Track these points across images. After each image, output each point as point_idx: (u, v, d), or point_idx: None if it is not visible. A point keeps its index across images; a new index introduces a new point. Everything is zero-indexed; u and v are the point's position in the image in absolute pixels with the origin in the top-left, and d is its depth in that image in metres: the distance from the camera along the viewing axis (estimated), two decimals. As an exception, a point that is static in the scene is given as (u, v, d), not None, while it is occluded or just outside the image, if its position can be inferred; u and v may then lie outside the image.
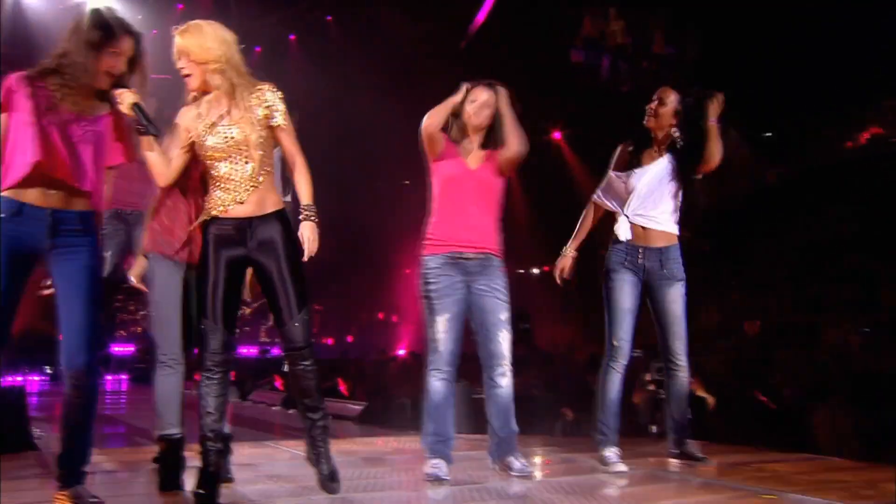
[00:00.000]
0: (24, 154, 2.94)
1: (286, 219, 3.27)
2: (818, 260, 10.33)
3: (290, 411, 8.08)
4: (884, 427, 5.41)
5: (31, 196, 2.95)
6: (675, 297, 4.19)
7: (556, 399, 7.09)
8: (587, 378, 7.11)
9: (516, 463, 3.80)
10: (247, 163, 3.20)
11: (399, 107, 11.08)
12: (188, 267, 3.44)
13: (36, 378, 9.03)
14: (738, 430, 6.08)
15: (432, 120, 3.77)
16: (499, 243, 3.91)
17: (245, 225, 3.18)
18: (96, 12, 3.10)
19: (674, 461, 4.22)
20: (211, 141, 3.20)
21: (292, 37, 13.91)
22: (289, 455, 4.69)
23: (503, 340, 3.84)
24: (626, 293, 4.14)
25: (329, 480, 3.22)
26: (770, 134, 11.73)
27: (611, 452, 4.05)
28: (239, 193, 3.19)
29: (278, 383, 11.41)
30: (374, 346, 16.00)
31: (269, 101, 3.24)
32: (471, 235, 3.82)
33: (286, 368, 3.31)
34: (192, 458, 3.37)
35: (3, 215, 2.92)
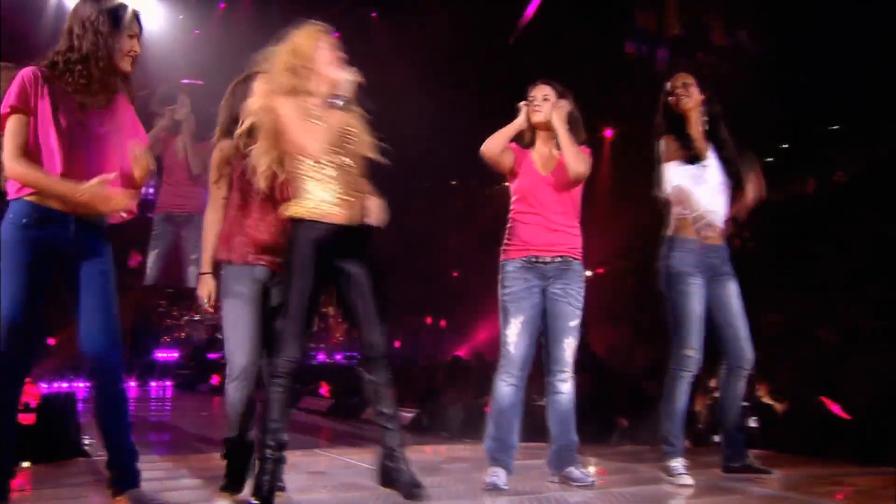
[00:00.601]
0: (48, 161, 2.97)
1: (371, 232, 3.39)
2: (891, 260, 10.07)
3: (342, 419, 8.14)
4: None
5: (56, 201, 2.99)
6: (735, 293, 4.16)
7: (611, 407, 7.03)
8: (644, 385, 7.05)
9: (576, 472, 3.80)
10: (355, 168, 3.34)
11: (446, 105, 11.11)
12: (272, 274, 3.45)
13: (81, 384, 9.21)
14: (807, 440, 5.95)
15: (490, 146, 3.85)
16: (578, 246, 3.92)
17: (342, 232, 3.28)
18: (96, 2, 3.09)
19: (735, 473, 4.14)
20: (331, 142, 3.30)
21: (336, 34, 14.03)
22: (342, 463, 4.72)
23: (568, 347, 3.86)
24: (697, 299, 4.07)
25: (413, 488, 3.27)
26: (837, 127, 11.48)
27: (677, 463, 4.01)
28: (340, 198, 3.29)
29: (324, 390, 11.49)
30: (422, 351, 16.03)
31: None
32: (548, 239, 3.86)
33: (363, 377, 3.39)
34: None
35: (25, 221, 2.96)
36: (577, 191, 3.95)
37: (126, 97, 3.22)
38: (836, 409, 6.39)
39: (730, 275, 4.16)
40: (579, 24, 12.17)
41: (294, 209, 3.30)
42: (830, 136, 11.13)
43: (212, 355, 13.23)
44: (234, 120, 3.45)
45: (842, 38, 9.93)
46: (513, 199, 3.98)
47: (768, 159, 12.16)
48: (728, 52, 13.28)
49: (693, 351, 4.04)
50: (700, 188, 4.10)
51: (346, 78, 3.31)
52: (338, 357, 13.13)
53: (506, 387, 3.81)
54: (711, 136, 4.19)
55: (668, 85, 4.24)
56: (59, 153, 2.97)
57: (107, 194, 2.98)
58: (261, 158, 3.29)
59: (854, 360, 7.69)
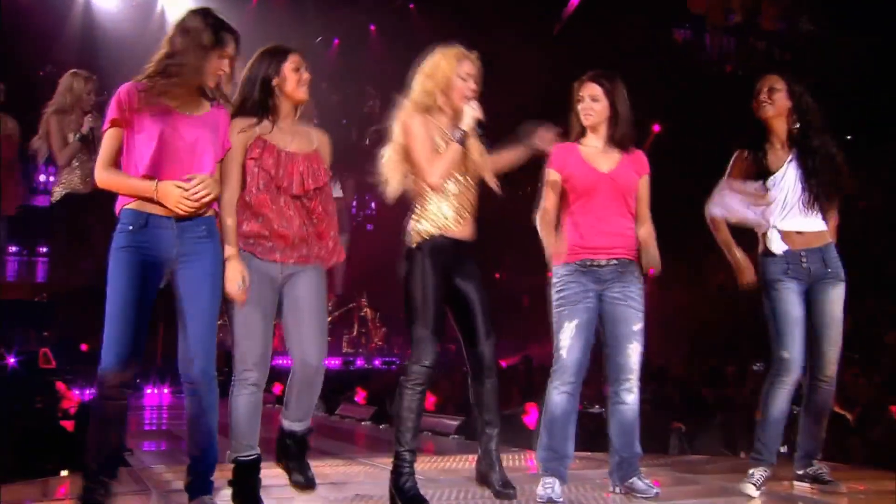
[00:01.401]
0: (149, 166, 3.18)
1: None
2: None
3: (381, 426, 8.15)
4: None
5: (156, 206, 3.19)
6: (837, 298, 4.08)
7: (668, 414, 6.99)
8: (704, 393, 6.99)
9: (640, 484, 3.78)
10: (473, 187, 3.68)
11: (487, 99, 11.11)
12: (287, 270, 3.48)
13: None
14: (878, 452, 5.85)
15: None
16: (635, 247, 3.89)
17: (458, 246, 3.62)
18: (205, 13, 3.30)
19: (803, 484, 4.11)
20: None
21: (372, 27, 14.12)
22: (378, 472, 4.73)
23: (633, 353, 3.83)
24: (794, 302, 4.02)
25: (504, 488, 3.62)
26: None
27: (755, 471, 3.96)
28: (461, 215, 3.63)
29: (359, 397, 11.51)
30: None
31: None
32: (604, 241, 3.83)
33: (470, 386, 3.70)
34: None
35: (130, 228, 3.18)
36: (636, 190, 3.92)
37: (225, 110, 3.39)
38: (903, 419, 6.28)
39: (836, 278, 4.08)
40: (626, 12, 12.11)
41: (417, 222, 3.62)
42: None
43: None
44: (250, 92, 3.50)
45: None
46: (567, 198, 3.93)
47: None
48: (781, 36, 13.11)
49: (792, 353, 3.99)
50: (778, 204, 4.06)
51: (469, 112, 3.56)
52: (376, 362, 13.18)
53: (559, 395, 3.79)
54: (799, 144, 4.10)
55: (757, 86, 4.15)
56: (149, 157, 3.18)
57: (179, 195, 3.15)
58: (393, 173, 3.63)
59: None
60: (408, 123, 3.59)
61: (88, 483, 3.18)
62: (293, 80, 3.50)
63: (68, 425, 5.59)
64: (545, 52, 11.68)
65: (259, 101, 3.49)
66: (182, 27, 3.26)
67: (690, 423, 6.74)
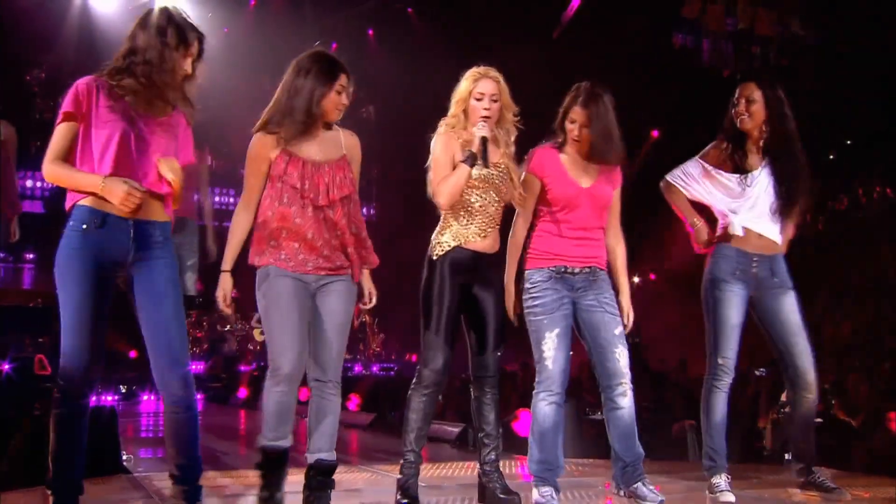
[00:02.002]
0: (104, 165, 3.08)
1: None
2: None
3: (385, 434, 8.17)
4: None
5: (113, 206, 3.08)
6: (793, 307, 4.12)
7: (670, 420, 6.99)
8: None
9: (644, 489, 3.77)
10: (497, 202, 3.76)
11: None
12: (319, 280, 3.48)
13: (110, 398, 9.33)
14: (881, 458, 5.86)
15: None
16: (604, 255, 3.92)
17: (479, 258, 3.74)
18: (169, 12, 3.24)
19: (803, 492, 4.10)
20: (476, 172, 3.66)
21: (370, 31, 14.13)
22: (380, 479, 4.76)
23: (621, 357, 3.83)
24: (735, 307, 4.06)
25: (504, 493, 3.69)
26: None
27: (720, 479, 3.98)
28: (484, 228, 3.73)
29: (352, 403, 11.49)
30: (463, 364, 15.91)
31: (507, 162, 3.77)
32: (578, 249, 3.83)
33: (472, 396, 3.80)
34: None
35: (84, 227, 3.07)
36: (612, 202, 3.95)
37: (184, 115, 3.32)
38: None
39: (785, 286, 4.13)
40: (625, 17, 12.14)
41: (440, 234, 3.75)
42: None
43: (243, 367, 13.36)
44: (294, 101, 3.44)
45: None
46: (544, 206, 3.91)
47: (830, 157, 12.04)
48: (778, 42, 13.16)
49: (727, 359, 4.04)
50: (743, 199, 4.10)
51: (476, 134, 3.63)
52: (374, 368, 13.19)
53: (547, 406, 3.76)
54: (772, 153, 4.13)
55: (736, 93, 4.16)
56: (108, 156, 3.08)
57: (127, 194, 3.03)
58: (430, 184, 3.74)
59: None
60: (433, 143, 3.74)
61: (57, 495, 3.13)
62: (334, 101, 3.47)
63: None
64: (544, 57, 11.69)
65: (299, 115, 3.43)
66: (145, 24, 3.19)
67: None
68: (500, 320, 3.79)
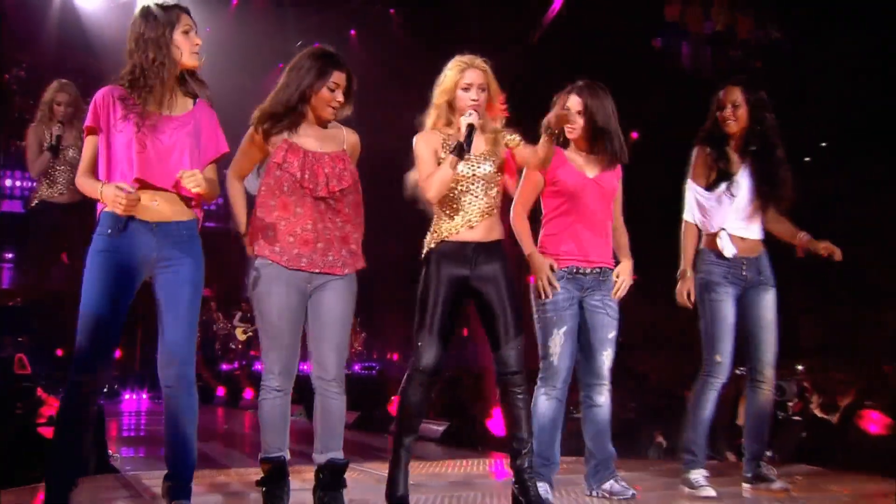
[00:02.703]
0: (126, 171, 3.19)
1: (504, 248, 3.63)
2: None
3: (368, 432, 8.18)
4: None
5: (137, 210, 3.17)
6: (770, 304, 4.24)
7: (651, 422, 7.05)
8: (686, 394, 7.02)
9: (616, 486, 3.86)
10: (488, 192, 3.61)
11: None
12: (314, 278, 3.45)
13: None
14: (856, 455, 5.95)
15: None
16: (612, 255, 3.98)
17: (473, 249, 3.57)
18: (145, 11, 3.28)
19: (753, 487, 4.22)
20: (460, 168, 3.54)
21: (353, 32, 14.10)
22: (368, 477, 4.77)
23: (607, 359, 3.92)
24: (730, 307, 4.18)
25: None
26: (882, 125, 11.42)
27: (698, 474, 4.08)
28: (472, 219, 3.58)
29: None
30: (447, 362, 15.88)
31: (513, 139, 3.65)
32: (588, 250, 3.91)
33: (499, 396, 3.61)
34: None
35: (109, 231, 3.17)
36: (617, 196, 4.00)
37: (205, 104, 3.39)
38: (871, 424, 6.40)
39: (768, 284, 4.24)
40: (605, 19, 12.20)
41: (430, 231, 3.66)
42: (870, 134, 11.04)
43: (225, 366, 13.29)
44: (289, 96, 3.46)
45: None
46: (553, 201, 3.97)
47: (806, 159, 12.17)
48: (759, 46, 13.29)
49: (724, 357, 4.14)
50: (731, 209, 4.19)
51: (463, 122, 3.51)
52: (356, 367, 13.18)
53: (548, 400, 3.85)
54: (754, 155, 4.23)
55: (721, 96, 4.26)
56: (129, 161, 3.19)
57: (114, 196, 3.10)
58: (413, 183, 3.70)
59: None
60: (414, 143, 3.65)
61: (50, 487, 3.16)
62: (325, 98, 3.46)
63: (48, 432, 5.55)
64: (525, 58, 11.73)
65: (294, 107, 3.45)
66: (131, 35, 3.26)
67: (672, 426, 6.78)
68: (510, 308, 3.55)
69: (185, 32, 3.27)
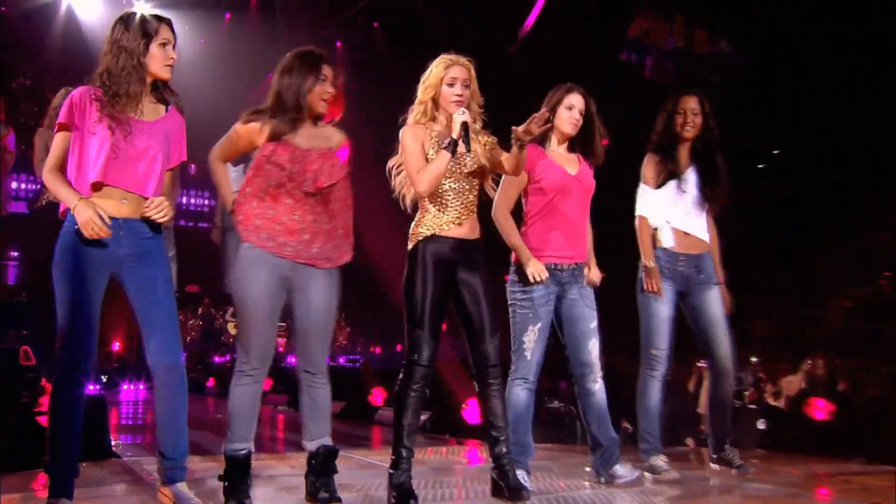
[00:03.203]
0: (94, 167, 3.10)
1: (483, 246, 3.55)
2: (878, 265, 10.20)
3: (354, 421, 8.19)
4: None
5: (104, 207, 3.09)
6: (716, 301, 4.26)
7: (616, 410, 7.10)
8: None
9: (621, 470, 3.86)
10: (471, 188, 3.54)
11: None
12: (296, 267, 3.33)
13: (91, 387, 9.23)
14: (807, 440, 6.07)
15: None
16: (586, 252, 3.98)
17: (459, 245, 3.49)
18: (125, 17, 3.22)
19: (715, 465, 4.27)
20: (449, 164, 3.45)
21: (339, 44, 14.09)
22: (355, 463, 4.77)
23: (594, 349, 3.90)
24: (666, 301, 4.19)
25: (516, 490, 3.41)
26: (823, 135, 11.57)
27: (658, 460, 4.11)
28: (458, 215, 3.50)
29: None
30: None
31: (490, 141, 3.59)
32: (567, 246, 3.89)
33: (476, 388, 3.53)
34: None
35: (76, 227, 3.06)
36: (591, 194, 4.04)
37: (176, 111, 3.32)
38: (817, 411, 6.53)
39: (710, 282, 4.25)
40: (577, 33, 12.28)
41: (417, 226, 3.53)
42: (818, 143, 11.19)
43: (217, 359, 13.28)
44: (285, 100, 3.36)
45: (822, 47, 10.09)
46: (535, 198, 3.93)
47: (760, 166, 12.32)
48: (714, 60, 13.43)
49: (660, 351, 4.17)
50: (677, 205, 4.24)
51: (456, 119, 3.42)
52: (341, 360, 13.20)
53: (522, 391, 3.83)
54: (701, 156, 4.29)
55: (679, 104, 4.30)
56: (100, 162, 3.10)
57: (87, 221, 3.03)
58: (405, 184, 3.60)
59: (847, 362, 7.84)
60: (401, 137, 3.52)
61: (54, 479, 3.10)
62: (318, 92, 3.36)
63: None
64: (501, 69, 11.77)
65: (290, 110, 3.34)
66: (109, 39, 3.18)
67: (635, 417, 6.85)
68: (489, 306, 3.50)
69: (162, 45, 3.20)
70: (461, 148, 3.43)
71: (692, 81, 12.92)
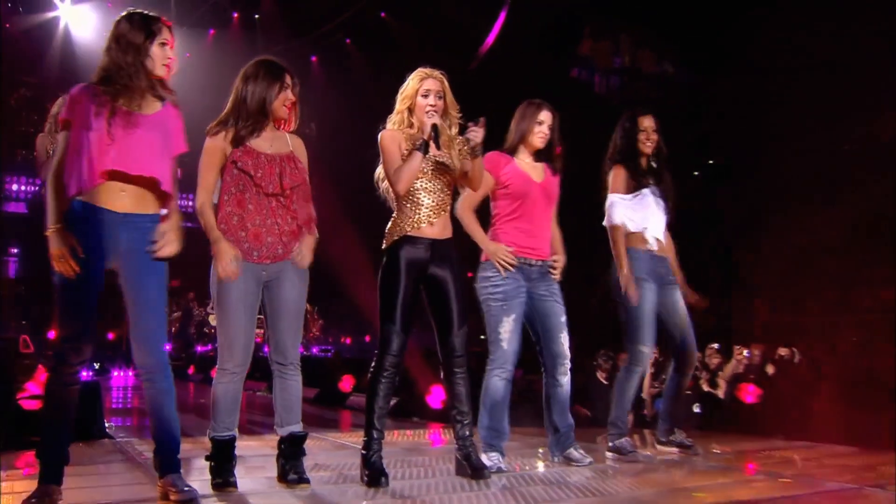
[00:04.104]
0: (96, 160, 2.94)
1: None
2: (801, 264, 10.45)
3: (327, 407, 8.18)
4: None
5: (105, 200, 2.96)
6: (681, 299, 4.29)
7: (573, 397, 7.18)
8: (602, 377, 7.16)
9: (576, 454, 3.88)
10: (443, 189, 3.54)
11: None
12: (269, 270, 3.27)
13: (85, 373, 9.12)
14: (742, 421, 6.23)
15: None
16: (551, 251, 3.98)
17: (431, 245, 3.48)
18: (129, 16, 3.10)
19: (672, 449, 4.29)
20: (423, 165, 3.46)
21: (314, 58, 14.05)
22: (329, 444, 4.77)
23: (565, 342, 3.89)
24: (651, 300, 4.16)
25: (478, 469, 3.46)
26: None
27: (625, 442, 4.11)
28: (431, 215, 3.49)
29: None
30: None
31: (466, 149, 3.55)
32: (535, 243, 3.88)
33: (442, 375, 3.54)
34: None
35: (73, 217, 2.93)
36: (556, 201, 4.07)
37: (173, 106, 3.17)
38: (747, 395, 6.68)
39: (674, 283, 4.29)
40: (532, 51, 12.38)
41: (392, 225, 3.52)
42: (748, 154, 11.40)
43: (200, 348, 13.17)
44: (245, 106, 3.29)
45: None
46: (504, 201, 3.93)
47: (695, 173, 12.54)
48: (661, 78, 13.61)
49: (647, 347, 4.16)
50: (645, 210, 4.25)
51: (427, 123, 3.44)
52: (314, 350, 13.19)
53: (500, 381, 3.78)
54: (654, 171, 4.33)
55: (639, 121, 4.30)
56: (102, 157, 2.95)
57: (56, 253, 2.88)
58: (381, 181, 3.59)
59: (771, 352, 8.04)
60: (380, 141, 3.52)
61: (45, 465, 2.94)
62: (281, 99, 3.33)
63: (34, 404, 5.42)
64: (463, 84, 11.83)
65: (253, 115, 3.30)
66: (113, 35, 3.07)
67: (591, 400, 6.92)
68: (460, 301, 3.51)
69: (162, 45, 3.08)
70: (432, 149, 3.44)
71: (636, 98, 13.11)
